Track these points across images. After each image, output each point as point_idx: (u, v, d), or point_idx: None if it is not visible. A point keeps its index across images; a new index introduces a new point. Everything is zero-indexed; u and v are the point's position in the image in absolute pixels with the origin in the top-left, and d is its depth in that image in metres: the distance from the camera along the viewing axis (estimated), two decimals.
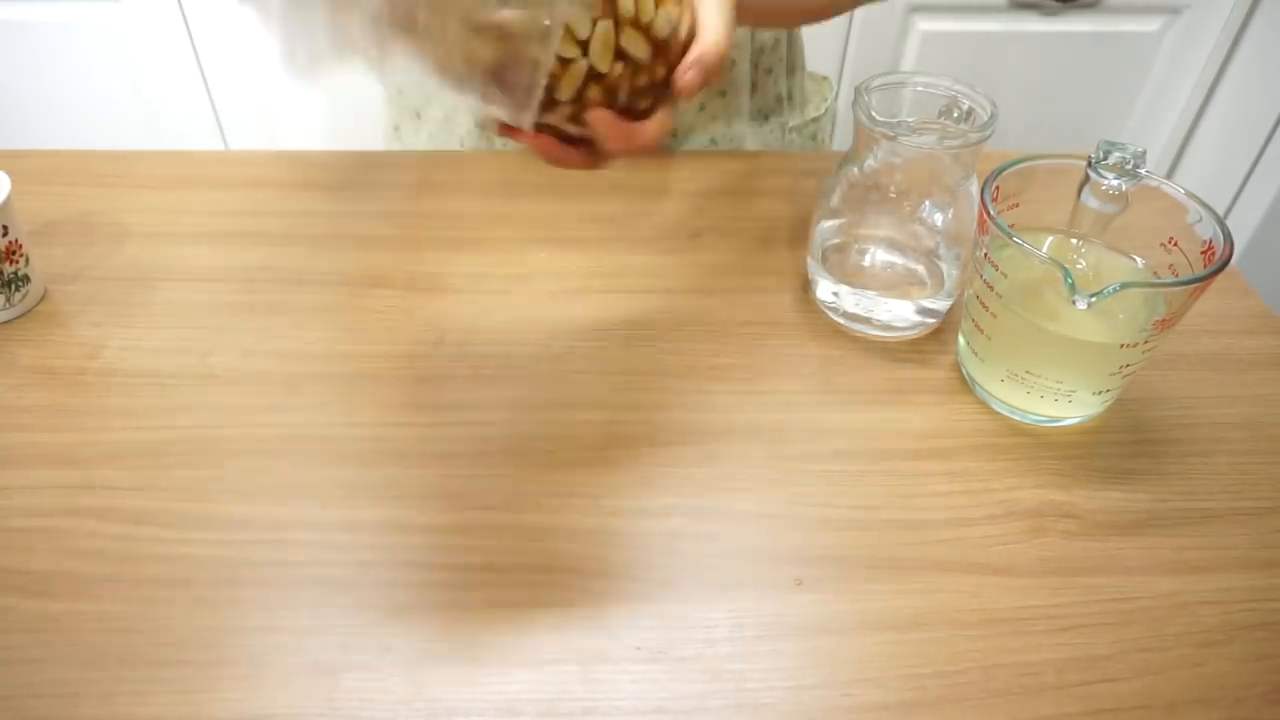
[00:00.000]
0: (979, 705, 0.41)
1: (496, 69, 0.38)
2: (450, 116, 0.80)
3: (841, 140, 1.46)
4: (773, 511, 0.48)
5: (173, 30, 1.33)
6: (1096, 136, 0.53)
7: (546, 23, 0.37)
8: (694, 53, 0.43)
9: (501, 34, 0.37)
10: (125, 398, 0.54)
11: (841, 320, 0.60)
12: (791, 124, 0.86)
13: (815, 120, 0.88)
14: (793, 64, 0.83)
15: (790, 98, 0.85)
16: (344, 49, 0.37)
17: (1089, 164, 0.51)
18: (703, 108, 0.78)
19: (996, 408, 0.54)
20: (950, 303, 0.59)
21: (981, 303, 0.51)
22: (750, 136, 0.82)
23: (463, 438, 0.52)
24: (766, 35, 0.78)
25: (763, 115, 0.83)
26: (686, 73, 0.42)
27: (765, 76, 0.81)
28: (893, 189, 0.56)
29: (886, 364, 0.57)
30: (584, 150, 0.44)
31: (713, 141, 0.81)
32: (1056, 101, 1.43)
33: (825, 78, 0.91)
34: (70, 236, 0.66)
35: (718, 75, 0.44)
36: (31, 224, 0.65)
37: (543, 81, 0.39)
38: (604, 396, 0.54)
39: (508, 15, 0.37)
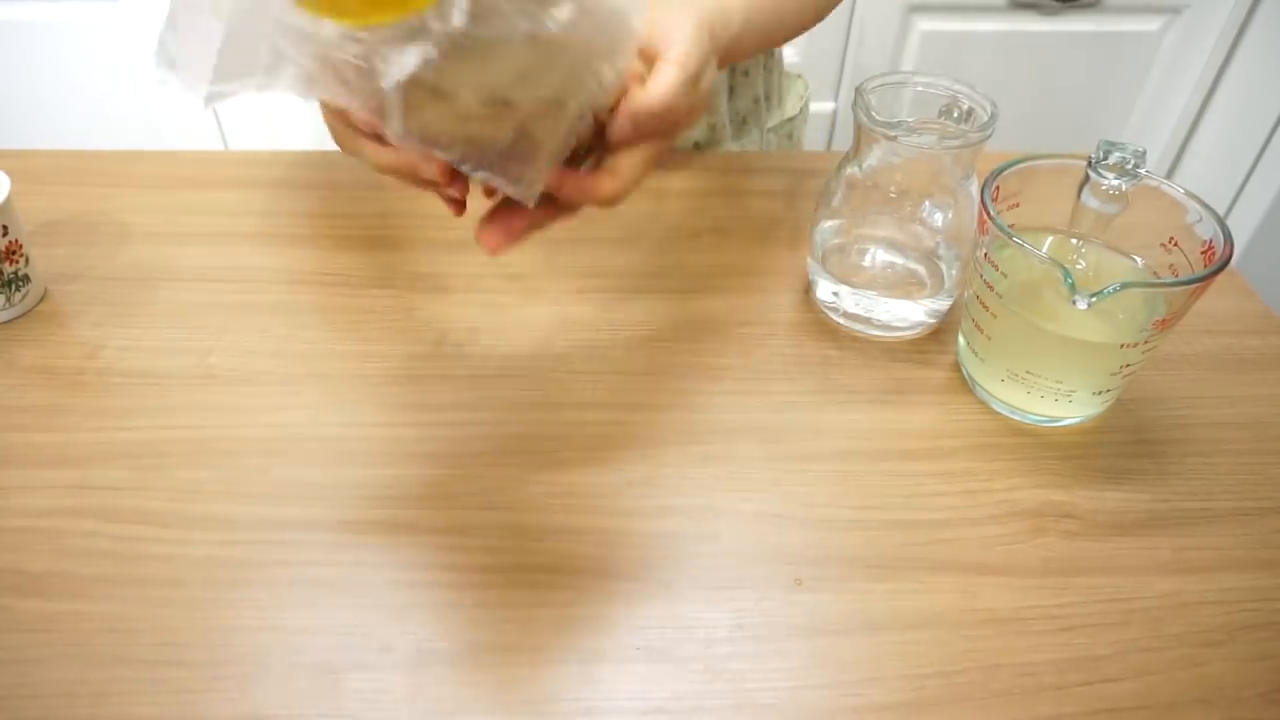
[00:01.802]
0: (979, 705, 0.41)
1: (504, 147, 0.38)
2: None
3: (841, 140, 1.46)
4: (773, 511, 0.48)
5: None
6: (1096, 136, 0.53)
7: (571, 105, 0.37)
8: (627, 103, 0.40)
9: (514, 112, 0.37)
10: (125, 398, 0.54)
11: (841, 320, 0.60)
12: (769, 125, 0.86)
13: (790, 120, 0.88)
14: (769, 63, 0.83)
15: (768, 98, 0.84)
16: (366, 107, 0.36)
17: (1089, 164, 0.51)
18: None
19: (996, 408, 0.54)
20: (950, 303, 0.59)
21: (981, 303, 0.51)
22: (729, 140, 0.82)
23: (463, 438, 0.52)
24: None
25: (740, 118, 0.83)
26: (619, 122, 0.40)
27: (743, 79, 0.81)
28: (893, 189, 0.56)
29: (886, 364, 0.57)
30: (548, 209, 0.43)
31: (695, 146, 0.80)
32: (1056, 101, 1.43)
33: (799, 76, 0.91)
34: (70, 236, 0.66)
35: (663, 132, 0.42)
36: (32, 224, 0.65)
37: (547, 165, 0.39)
38: (604, 396, 0.54)
39: (522, 95, 0.36)
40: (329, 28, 0.33)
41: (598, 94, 0.38)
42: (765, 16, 0.57)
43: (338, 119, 0.43)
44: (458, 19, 0.31)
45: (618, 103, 0.40)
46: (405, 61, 0.32)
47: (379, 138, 0.41)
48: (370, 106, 0.36)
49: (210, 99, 0.36)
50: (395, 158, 0.41)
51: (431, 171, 0.40)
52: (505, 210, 0.43)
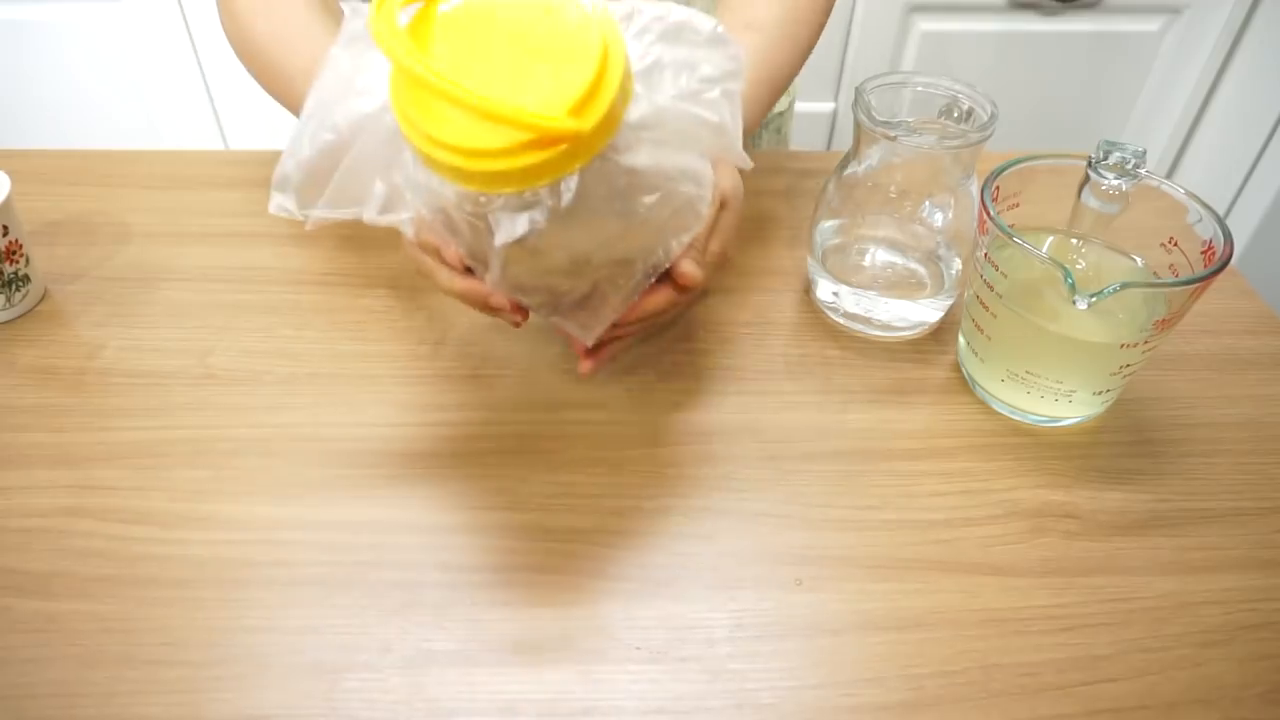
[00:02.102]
0: (979, 705, 0.41)
1: (578, 298, 0.43)
2: None
3: (841, 140, 1.46)
4: (773, 511, 0.48)
5: (173, 30, 1.33)
6: (1096, 136, 0.53)
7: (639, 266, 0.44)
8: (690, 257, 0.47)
9: (592, 270, 0.42)
10: (125, 398, 0.54)
11: (841, 320, 0.60)
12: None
13: (780, 115, 0.88)
14: None
15: None
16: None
17: (1089, 164, 0.51)
18: None
19: (996, 408, 0.54)
20: (950, 303, 0.59)
21: (981, 303, 0.51)
22: None
23: (463, 438, 0.52)
24: None
25: None
26: (683, 263, 0.46)
27: None
28: (893, 189, 0.56)
29: (886, 364, 0.57)
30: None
31: None
32: (1056, 101, 1.43)
33: None
34: (71, 236, 0.66)
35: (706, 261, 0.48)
36: (32, 224, 0.65)
37: (612, 317, 0.45)
38: (604, 396, 0.54)
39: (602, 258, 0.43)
40: (452, 189, 0.38)
41: (663, 260, 0.45)
42: (765, 90, 0.60)
43: (419, 248, 0.47)
44: (566, 198, 0.37)
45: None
46: (517, 226, 0.38)
47: (452, 266, 0.46)
48: (472, 254, 0.41)
49: (314, 220, 0.42)
50: (465, 286, 0.46)
51: (501, 302, 0.45)
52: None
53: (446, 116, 0.35)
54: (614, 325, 0.48)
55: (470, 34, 0.37)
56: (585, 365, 0.49)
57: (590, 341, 0.45)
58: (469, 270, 0.46)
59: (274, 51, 0.61)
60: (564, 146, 0.35)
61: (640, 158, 0.39)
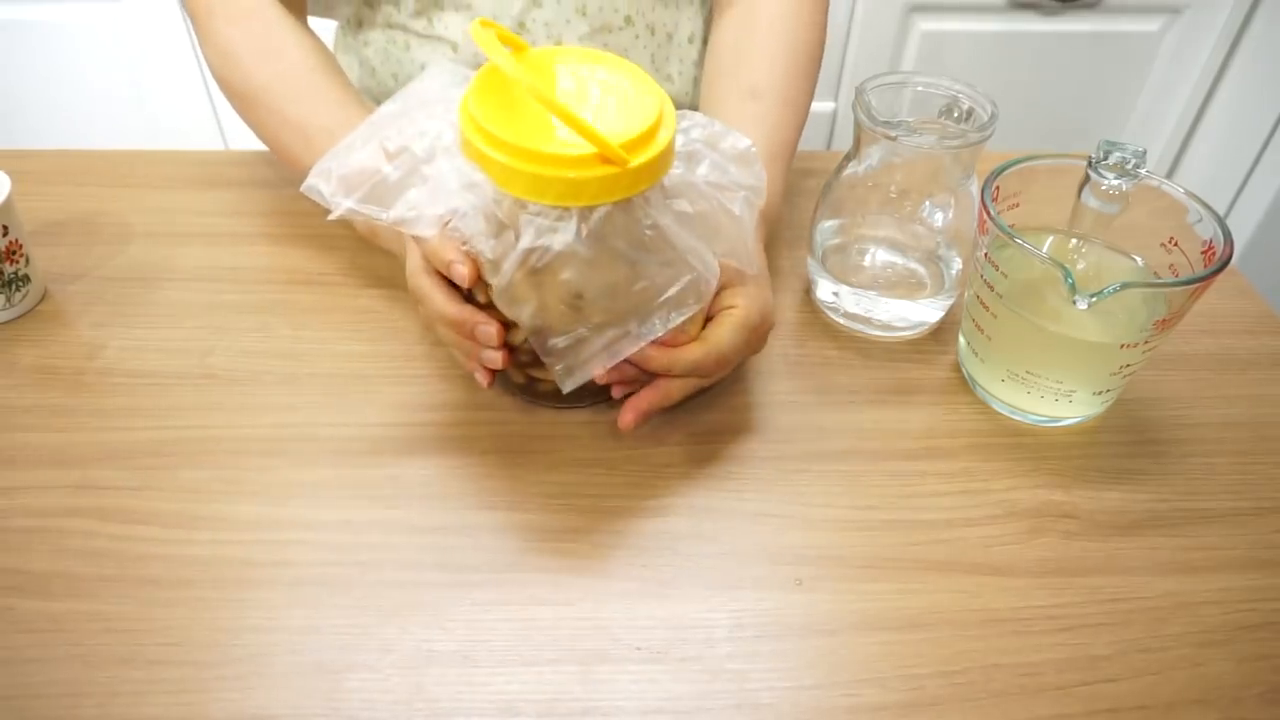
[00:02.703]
0: (979, 705, 0.41)
1: (567, 340, 0.45)
2: None
3: (841, 140, 1.46)
4: (773, 511, 0.48)
5: (173, 30, 1.33)
6: (1097, 136, 0.53)
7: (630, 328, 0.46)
8: (690, 350, 0.48)
9: (588, 313, 0.44)
10: (125, 398, 0.54)
11: (841, 320, 0.60)
12: None
13: None
14: None
15: None
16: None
17: (1089, 164, 0.51)
18: None
19: (996, 408, 0.54)
20: (950, 303, 0.59)
21: (981, 303, 0.51)
22: None
23: (463, 437, 0.52)
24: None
25: None
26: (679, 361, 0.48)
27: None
28: (893, 189, 0.56)
29: (886, 364, 0.57)
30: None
31: None
32: (1056, 101, 1.43)
33: None
34: (71, 236, 0.66)
35: (697, 372, 0.49)
36: (32, 224, 0.65)
37: (596, 370, 0.46)
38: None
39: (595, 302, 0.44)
40: (494, 188, 0.41)
41: (655, 330, 0.46)
42: (780, 163, 0.61)
43: (425, 264, 0.47)
44: (592, 224, 0.41)
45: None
46: (542, 236, 0.41)
47: (455, 292, 0.47)
48: (487, 258, 0.43)
49: (340, 212, 0.45)
50: (458, 311, 0.46)
51: (489, 336, 0.46)
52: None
53: (512, 120, 0.40)
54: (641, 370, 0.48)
55: (549, 73, 0.43)
56: (626, 418, 0.48)
57: (566, 389, 0.46)
58: (468, 296, 0.47)
59: (283, 105, 0.59)
60: (607, 174, 0.39)
61: (665, 219, 0.44)
